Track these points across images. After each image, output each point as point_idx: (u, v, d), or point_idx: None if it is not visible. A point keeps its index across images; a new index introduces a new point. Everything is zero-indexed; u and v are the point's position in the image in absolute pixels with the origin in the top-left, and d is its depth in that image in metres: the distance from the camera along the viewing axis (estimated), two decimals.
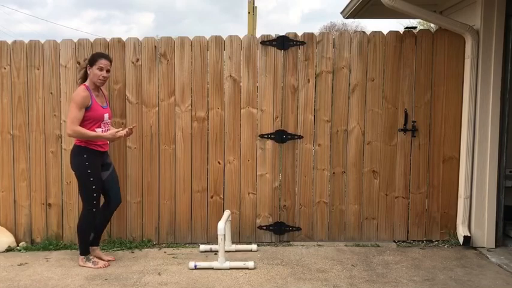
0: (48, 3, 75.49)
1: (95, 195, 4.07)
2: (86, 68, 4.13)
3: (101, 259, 4.23)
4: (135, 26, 63.21)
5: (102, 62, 4.07)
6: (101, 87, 4.22)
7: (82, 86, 4.05)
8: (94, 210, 4.10)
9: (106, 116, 4.13)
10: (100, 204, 4.17)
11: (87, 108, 3.99)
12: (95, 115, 4.03)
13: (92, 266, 4.11)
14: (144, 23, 63.88)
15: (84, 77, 4.15)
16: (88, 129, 3.98)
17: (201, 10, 72.39)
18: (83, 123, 3.97)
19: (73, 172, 4.16)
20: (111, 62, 4.17)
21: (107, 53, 4.57)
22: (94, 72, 4.04)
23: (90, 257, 4.17)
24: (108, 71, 4.11)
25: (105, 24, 68.85)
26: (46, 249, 4.63)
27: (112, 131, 4.08)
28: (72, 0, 70.45)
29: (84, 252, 4.16)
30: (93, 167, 4.05)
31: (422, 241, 4.74)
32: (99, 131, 4.05)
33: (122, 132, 4.13)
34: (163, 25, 63.28)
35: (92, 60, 4.07)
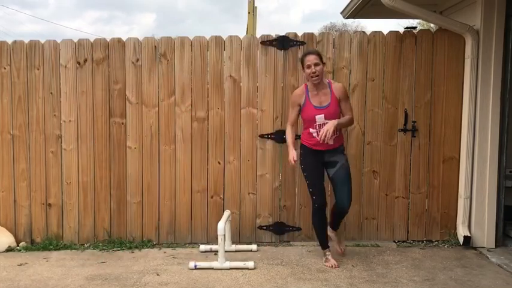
0: (50, 4, 75.58)
1: (311, 190, 4.09)
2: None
3: (337, 248, 4.31)
4: (136, 26, 63.19)
5: (308, 59, 3.95)
6: (323, 86, 4.02)
7: (302, 86, 4.13)
8: (316, 205, 4.08)
9: (318, 117, 3.96)
10: (320, 201, 4.06)
11: (301, 109, 4.06)
12: (305, 116, 4.06)
13: (324, 261, 4.12)
14: (145, 23, 63.87)
15: None
16: (304, 128, 4.11)
17: (201, 10, 72.46)
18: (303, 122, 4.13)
19: None
20: (317, 54, 3.99)
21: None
22: (305, 72, 4.00)
23: (327, 254, 4.14)
24: (316, 64, 3.91)
25: (106, 24, 68.83)
26: (46, 249, 4.63)
27: (292, 153, 4.04)
28: (74, 1, 70.51)
29: (322, 246, 4.19)
30: (305, 163, 4.12)
31: (422, 241, 4.74)
32: (313, 132, 4.00)
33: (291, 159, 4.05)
34: (164, 25, 63.31)
35: (301, 62, 4.06)
